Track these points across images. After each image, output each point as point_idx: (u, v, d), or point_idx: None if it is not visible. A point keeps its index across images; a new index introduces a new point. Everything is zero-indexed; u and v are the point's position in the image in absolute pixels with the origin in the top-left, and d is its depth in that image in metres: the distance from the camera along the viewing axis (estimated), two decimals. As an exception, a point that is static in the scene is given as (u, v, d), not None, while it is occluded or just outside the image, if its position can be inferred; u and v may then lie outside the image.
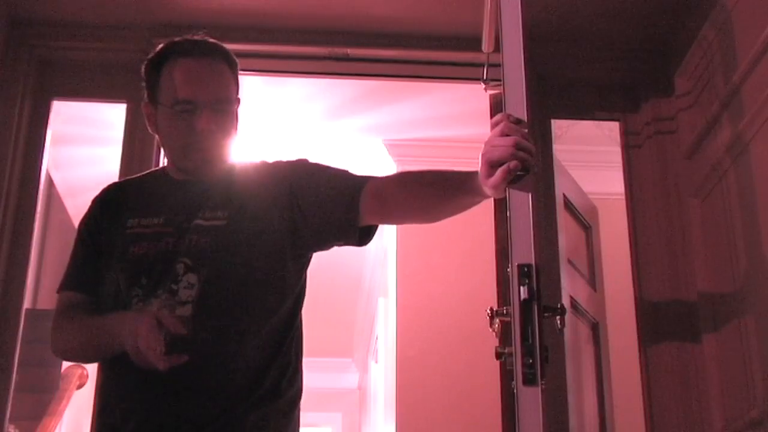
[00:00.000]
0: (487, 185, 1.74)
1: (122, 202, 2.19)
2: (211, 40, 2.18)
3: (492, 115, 2.97)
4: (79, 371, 5.07)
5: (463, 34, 3.54)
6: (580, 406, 3.48)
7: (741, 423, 3.01)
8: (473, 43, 3.22)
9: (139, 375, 1.92)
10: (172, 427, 1.93)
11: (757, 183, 2.98)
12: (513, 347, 1.41)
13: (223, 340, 1.97)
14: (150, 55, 2.17)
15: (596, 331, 3.82)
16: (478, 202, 1.88)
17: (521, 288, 1.46)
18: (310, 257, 2.18)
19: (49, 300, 5.83)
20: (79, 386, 5.08)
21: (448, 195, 1.96)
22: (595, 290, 3.92)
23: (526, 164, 1.69)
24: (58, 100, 3.71)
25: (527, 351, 1.39)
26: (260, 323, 2.02)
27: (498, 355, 1.49)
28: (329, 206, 2.05)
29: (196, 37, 2.17)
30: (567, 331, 3.37)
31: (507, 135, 1.72)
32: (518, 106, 1.67)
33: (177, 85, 2.10)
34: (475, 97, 3.79)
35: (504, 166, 1.69)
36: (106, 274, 2.10)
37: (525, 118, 1.68)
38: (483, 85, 3.39)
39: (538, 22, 3.52)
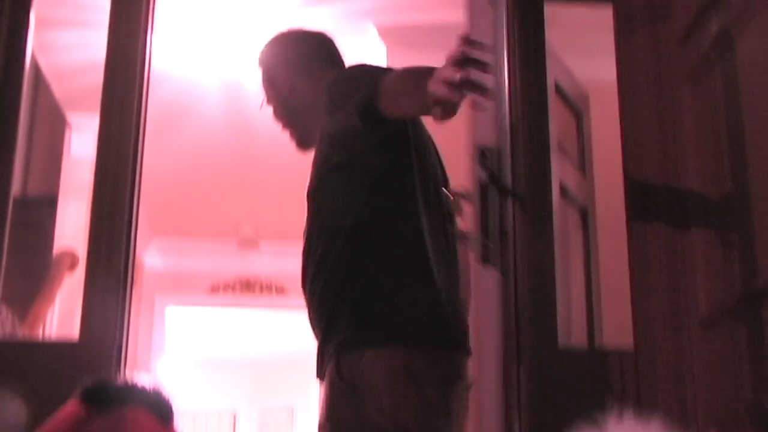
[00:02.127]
0: None
1: None
2: None
3: None
4: (71, 253, 5.06)
5: None
6: (567, 292, 3.51)
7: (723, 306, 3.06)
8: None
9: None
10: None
11: (742, 76, 2.93)
12: (473, 228, 1.41)
13: (310, 267, 2.23)
14: None
15: (585, 216, 3.83)
16: None
17: (481, 170, 1.44)
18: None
19: (38, 187, 5.83)
20: (71, 268, 5.02)
21: None
22: (584, 176, 3.90)
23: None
24: (42, -20, 3.63)
25: (486, 232, 1.39)
26: (330, 240, 2.17)
27: (461, 237, 1.49)
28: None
29: None
30: (556, 217, 3.36)
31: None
32: None
33: None
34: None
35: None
36: None
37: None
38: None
39: None
